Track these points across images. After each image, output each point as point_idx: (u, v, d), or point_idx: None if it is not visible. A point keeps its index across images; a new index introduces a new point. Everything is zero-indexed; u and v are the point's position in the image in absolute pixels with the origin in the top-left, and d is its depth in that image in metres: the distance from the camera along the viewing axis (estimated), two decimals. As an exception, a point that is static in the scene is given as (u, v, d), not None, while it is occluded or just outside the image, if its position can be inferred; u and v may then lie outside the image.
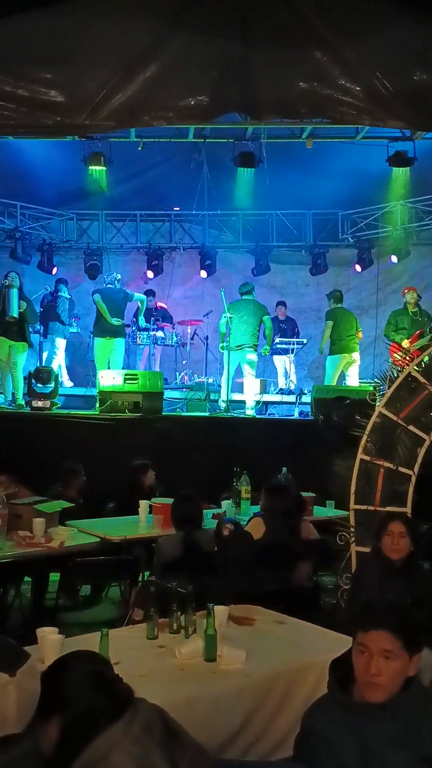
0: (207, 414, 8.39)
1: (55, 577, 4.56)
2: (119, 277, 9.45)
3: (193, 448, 7.30)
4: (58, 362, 9.88)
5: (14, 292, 7.96)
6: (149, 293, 10.57)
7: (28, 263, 11.04)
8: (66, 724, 1.50)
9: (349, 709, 1.78)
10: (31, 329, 8.65)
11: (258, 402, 8.82)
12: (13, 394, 8.28)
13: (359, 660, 1.76)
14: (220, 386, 8.86)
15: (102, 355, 9.02)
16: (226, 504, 5.57)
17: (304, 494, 5.31)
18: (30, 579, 4.59)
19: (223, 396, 8.57)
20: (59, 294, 9.90)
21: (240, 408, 8.64)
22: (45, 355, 9.90)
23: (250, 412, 8.58)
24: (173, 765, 1.48)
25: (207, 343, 9.76)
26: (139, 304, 9.57)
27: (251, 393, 8.69)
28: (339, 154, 9.48)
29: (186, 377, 9.90)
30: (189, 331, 10.14)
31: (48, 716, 1.52)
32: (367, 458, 4.43)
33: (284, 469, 6.05)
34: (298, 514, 4.79)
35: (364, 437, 4.45)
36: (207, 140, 9.06)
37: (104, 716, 1.50)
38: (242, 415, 8.40)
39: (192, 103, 4.77)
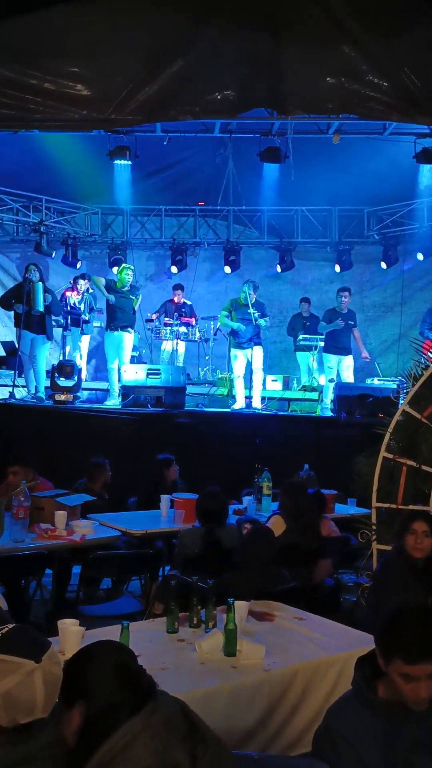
0: (229, 409, 8.39)
1: (76, 569, 4.60)
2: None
3: (215, 443, 7.31)
4: (80, 356, 9.93)
5: (39, 286, 8.02)
6: (177, 287, 10.57)
7: (53, 257, 11.12)
8: (88, 712, 1.51)
9: (375, 710, 1.76)
10: (54, 323, 8.68)
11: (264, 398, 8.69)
12: (35, 387, 8.36)
13: (405, 686, 1.73)
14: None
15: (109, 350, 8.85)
16: (247, 500, 5.57)
17: (326, 491, 5.28)
18: (52, 571, 4.63)
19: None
20: (78, 288, 9.90)
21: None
22: (68, 349, 9.96)
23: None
24: (193, 759, 1.49)
25: (229, 339, 9.75)
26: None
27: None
28: (366, 150, 9.40)
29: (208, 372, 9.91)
30: (212, 326, 10.13)
31: (71, 704, 1.53)
32: (390, 456, 4.40)
33: (306, 466, 6.03)
34: (319, 512, 4.78)
35: (387, 435, 4.41)
36: (233, 135, 9.04)
37: (126, 707, 1.51)
38: (265, 412, 8.37)
39: (219, 97, 4.75)
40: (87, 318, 9.76)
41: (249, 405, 8.40)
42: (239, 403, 8.38)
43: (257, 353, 8.31)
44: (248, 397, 8.50)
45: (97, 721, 1.50)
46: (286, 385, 9.60)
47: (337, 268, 11.34)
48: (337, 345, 9.06)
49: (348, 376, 9.04)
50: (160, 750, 1.47)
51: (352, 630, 2.96)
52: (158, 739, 1.48)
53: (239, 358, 8.37)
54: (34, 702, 1.51)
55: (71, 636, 2.48)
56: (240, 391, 8.41)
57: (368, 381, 9.41)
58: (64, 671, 1.59)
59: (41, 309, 7.99)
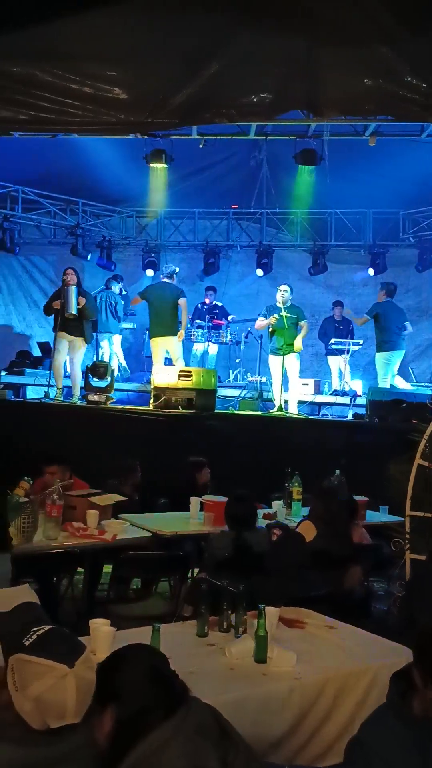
0: (259, 413, 8.36)
1: (107, 569, 4.62)
2: (177, 270, 9.14)
3: (244, 446, 7.29)
4: (112, 357, 10.02)
5: (73, 290, 8.09)
6: (208, 289, 10.59)
7: (88, 259, 11.24)
8: (120, 716, 1.51)
9: (411, 726, 1.73)
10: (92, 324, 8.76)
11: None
12: (70, 388, 8.44)
13: None
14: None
15: (154, 355, 8.98)
16: (277, 505, 5.53)
17: (357, 498, 5.22)
18: (83, 570, 4.67)
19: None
20: (111, 291, 10.01)
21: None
22: (101, 351, 10.05)
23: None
24: (224, 765, 1.48)
25: (261, 342, 9.73)
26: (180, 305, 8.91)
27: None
28: (402, 152, 9.30)
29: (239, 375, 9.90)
30: (244, 329, 10.13)
31: (103, 706, 1.54)
32: (426, 464, 4.32)
33: (337, 472, 5.97)
34: (351, 519, 4.72)
35: (423, 442, 4.34)
36: (268, 138, 9.01)
37: (159, 711, 1.50)
38: (295, 416, 8.33)
39: (255, 100, 4.75)
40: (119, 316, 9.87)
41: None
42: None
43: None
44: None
45: (129, 724, 1.50)
46: (318, 390, 9.54)
47: (371, 272, 11.23)
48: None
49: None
50: (192, 755, 1.47)
51: (383, 640, 2.91)
52: (190, 744, 1.48)
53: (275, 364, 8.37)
54: (65, 707, 1.51)
55: (102, 636, 2.49)
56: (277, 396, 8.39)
57: (402, 386, 9.29)
58: (98, 673, 1.59)
59: (74, 312, 8.05)
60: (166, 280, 8.95)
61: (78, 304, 8.06)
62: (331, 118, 7.30)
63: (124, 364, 10.23)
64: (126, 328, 10.46)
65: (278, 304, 8.19)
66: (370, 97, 5.01)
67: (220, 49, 4.64)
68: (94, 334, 9.79)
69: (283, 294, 8.21)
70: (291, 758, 2.33)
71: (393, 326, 8.94)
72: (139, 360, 10.65)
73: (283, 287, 8.33)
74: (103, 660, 1.66)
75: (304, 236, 11.54)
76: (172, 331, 8.73)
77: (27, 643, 1.57)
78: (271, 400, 8.66)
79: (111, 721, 1.51)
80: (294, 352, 8.28)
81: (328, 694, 2.47)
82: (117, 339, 10.20)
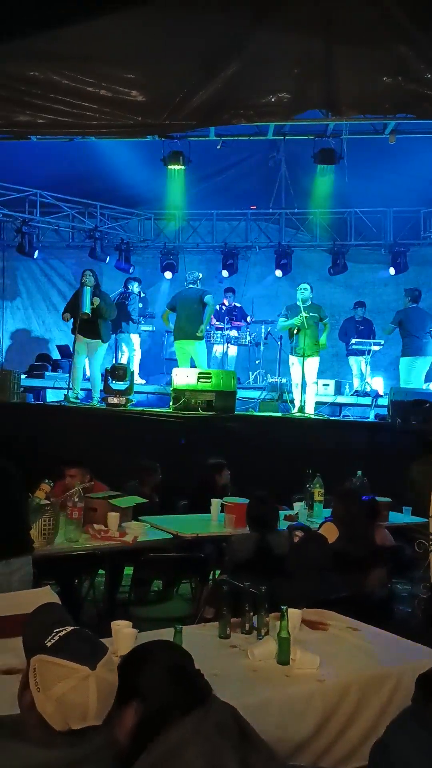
0: (280, 414, 8.33)
1: (128, 571, 4.63)
2: (200, 276, 9.24)
3: (265, 448, 7.27)
4: (131, 359, 10.06)
5: (87, 291, 8.11)
6: (227, 290, 10.59)
7: (106, 262, 11.29)
8: (142, 712, 1.50)
9: None
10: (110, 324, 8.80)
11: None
12: (90, 391, 8.47)
13: None
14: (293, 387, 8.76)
15: (180, 359, 9.05)
16: (298, 506, 5.50)
17: (380, 499, 5.18)
18: (104, 572, 4.67)
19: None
20: (130, 291, 10.04)
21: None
22: (121, 354, 10.09)
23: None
24: (245, 767, 1.46)
25: (281, 343, 9.70)
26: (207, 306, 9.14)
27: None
28: (422, 150, 9.22)
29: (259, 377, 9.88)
30: (263, 330, 10.10)
31: (126, 703, 1.53)
32: (448, 464, 4.27)
33: (359, 473, 5.92)
34: (373, 520, 4.68)
35: (445, 442, 4.29)
36: (287, 137, 8.99)
37: (179, 709, 1.49)
38: (315, 417, 8.28)
39: (273, 100, 4.72)
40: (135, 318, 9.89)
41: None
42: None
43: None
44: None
45: (149, 721, 1.49)
46: (338, 390, 9.48)
47: (392, 271, 11.14)
48: None
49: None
50: (210, 754, 1.46)
51: (407, 642, 2.87)
52: (209, 744, 1.47)
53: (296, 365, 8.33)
54: (86, 708, 1.50)
55: (124, 638, 2.49)
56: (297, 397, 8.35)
57: (424, 387, 9.20)
58: (120, 669, 1.58)
59: (87, 311, 8.04)
60: (191, 286, 9.01)
61: (92, 304, 8.06)
62: (350, 117, 7.26)
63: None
64: (145, 330, 10.48)
65: (299, 303, 8.17)
66: (388, 95, 4.96)
67: (238, 50, 4.62)
68: (116, 336, 9.85)
69: (303, 292, 8.17)
70: (315, 761, 2.31)
71: (417, 331, 8.89)
72: (158, 362, 10.66)
73: (303, 285, 8.30)
74: (126, 655, 1.65)
75: (324, 236, 11.48)
76: (196, 336, 8.84)
77: (49, 644, 1.56)
78: (291, 402, 8.62)
79: (133, 717, 1.50)
80: (316, 354, 8.25)
81: (352, 697, 2.44)
82: (135, 339, 10.22)
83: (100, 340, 8.37)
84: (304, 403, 8.28)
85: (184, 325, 8.83)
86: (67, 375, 8.54)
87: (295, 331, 8.18)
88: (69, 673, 1.51)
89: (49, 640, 1.56)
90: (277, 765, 1.55)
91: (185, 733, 1.47)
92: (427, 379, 9.22)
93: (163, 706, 1.50)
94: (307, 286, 8.28)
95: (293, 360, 8.35)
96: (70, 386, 8.28)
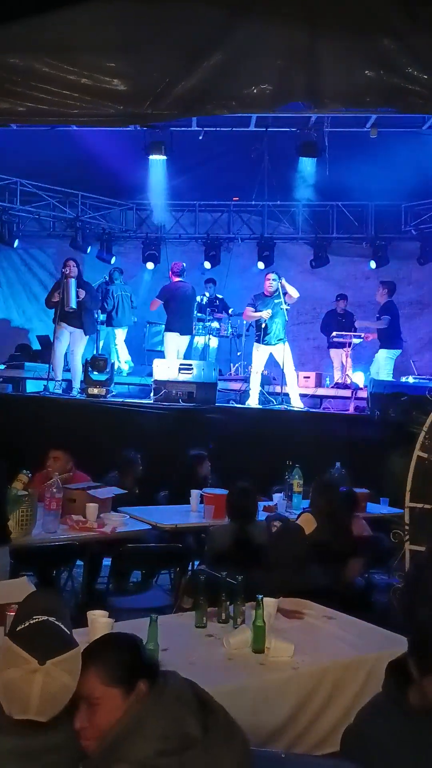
0: (260, 406, 8.36)
1: (107, 561, 4.63)
2: (184, 265, 9.30)
3: (245, 439, 7.29)
4: (115, 350, 10.02)
5: (72, 282, 8.07)
6: (210, 282, 10.58)
7: (87, 252, 11.21)
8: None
9: (407, 716, 1.73)
10: (95, 315, 8.76)
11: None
12: (70, 381, 8.43)
13: None
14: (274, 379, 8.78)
15: (170, 351, 9.03)
16: (277, 497, 5.54)
17: (358, 490, 5.23)
18: (82, 562, 4.68)
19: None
20: (114, 283, 10.00)
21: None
22: (101, 343, 10.05)
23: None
24: (205, 730, 1.52)
25: (256, 334, 9.68)
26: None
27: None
28: (404, 144, 9.24)
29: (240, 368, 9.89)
30: (245, 322, 10.09)
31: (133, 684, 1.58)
32: (425, 455, 4.32)
33: (338, 464, 5.97)
34: (351, 511, 4.73)
35: (422, 434, 4.34)
36: (269, 129, 8.97)
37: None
38: (296, 408, 8.31)
39: (255, 91, 4.70)
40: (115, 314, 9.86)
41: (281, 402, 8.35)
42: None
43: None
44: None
45: None
46: (319, 382, 9.53)
47: (373, 264, 11.20)
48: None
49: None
50: (172, 721, 1.51)
51: (382, 630, 2.92)
52: (170, 711, 1.52)
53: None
54: (27, 701, 1.50)
55: (100, 627, 2.50)
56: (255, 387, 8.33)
57: (403, 379, 9.28)
58: (106, 656, 1.60)
59: (74, 306, 8.03)
60: (178, 279, 9.01)
61: (78, 296, 8.05)
62: (332, 110, 7.27)
63: (128, 358, 10.21)
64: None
65: (266, 294, 8.15)
66: (371, 88, 4.96)
67: (221, 40, 4.59)
68: (106, 327, 9.81)
69: (272, 284, 8.15)
70: (290, 746, 2.34)
71: (398, 324, 9.01)
72: (140, 353, 10.63)
73: (271, 275, 8.26)
74: (93, 645, 1.67)
75: (306, 229, 11.50)
76: (189, 330, 9.03)
77: (18, 629, 1.57)
78: (271, 393, 8.64)
79: (138, 697, 1.54)
80: (285, 341, 8.22)
81: (326, 684, 2.48)
82: (119, 331, 10.19)
83: (82, 330, 8.33)
84: (287, 394, 8.29)
85: (179, 319, 8.87)
86: (48, 365, 8.48)
87: (263, 325, 8.18)
88: (19, 662, 1.51)
89: (21, 626, 1.57)
90: (236, 728, 1.59)
91: (143, 709, 1.52)
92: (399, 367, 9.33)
93: (136, 680, 1.55)
94: (276, 276, 8.22)
95: (260, 348, 8.30)
96: (51, 375, 8.24)
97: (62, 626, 1.60)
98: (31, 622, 1.57)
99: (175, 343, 8.98)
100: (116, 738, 1.49)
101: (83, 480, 5.09)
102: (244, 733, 1.61)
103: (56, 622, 1.59)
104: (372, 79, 4.84)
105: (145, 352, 10.39)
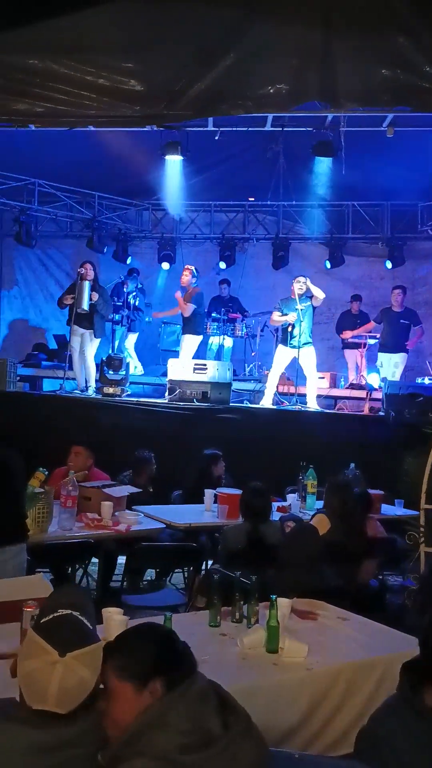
0: (274, 407, 8.35)
1: (121, 559, 4.66)
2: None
3: (259, 440, 7.29)
4: (129, 350, 10.06)
5: (87, 285, 8.12)
6: (224, 282, 10.58)
7: (104, 252, 11.26)
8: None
9: (422, 717, 1.72)
10: (108, 318, 8.81)
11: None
12: (85, 381, 8.48)
13: None
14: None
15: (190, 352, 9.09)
16: (291, 497, 5.53)
17: (372, 492, 5.21)
18: (97, 560, 4.71)
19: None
20: (128, 285, 10.03)
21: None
22: (116, 343, 10.09)
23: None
24: (226, 727, 1.53)
25: (276, 336, 9.69)
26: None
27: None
28: (420, 143, 9.19)
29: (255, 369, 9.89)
30: (259, 322, 10.10)
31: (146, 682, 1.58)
32: (440, 457, 4.30)
33: (352, 465, 5.96)
34: (365, 512, 4.71)
35: (438, 435, 4.32)
36: (285, 129, 8.95)
37: (169, 681, 1.56)
38: (311, 409, 8.29)
39: (271, 91, 4.70)
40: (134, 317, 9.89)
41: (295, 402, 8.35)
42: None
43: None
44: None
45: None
46: (334, 383, 9.50)
47: (389, 264, 11.14)
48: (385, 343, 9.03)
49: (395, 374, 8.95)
50: (195, 718, 1.52)
51: (396, 632, 2.91)
52: (192, 709, 1.53)
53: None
54: (46, 692, 1.52)
55: (115, 625, 2.51)
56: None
57: (419, 380, 9.23)
58: (109, 649, 1.61)
59: (86, 308, 8.09)
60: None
61: (90, 299, 8.10)
62: (348, 110, 7.24)
63: (138, 364, 10.24)
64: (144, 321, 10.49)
65: (293, 297, 8.15)
66: (387, 87, 4.94)
67: (237, 40, 4.60)
68: (114, 327, 9.85)
69: (301, 286, 8.14)
70: (303, 747, 2.34)
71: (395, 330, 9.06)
72: (154, 353, 10.66)
73: (301, 279, 8.25)
74: (118, 635, 1.69)
75: (321, 229, 11.47)
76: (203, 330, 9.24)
77: (42, 621, 1.60)
78: (285, 394, 8.63)
79: (153, 695, 1.54)
80: (311, 344, 8.23)
81: (339, 685, 2.48)
82: (133, 338, 10.22)
83: (92, 332, 8.39)
84: (304, 395, 8.28)
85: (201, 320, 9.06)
86: (64, 365, 8.55)
87: (289, 327, 8.18)
88: (40, 652, 1.54)
89: (45, 618, 1.60)
90: (255, 730, 1.61)
91: (168, 703, 1.53)
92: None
93: (152, 678, 1.56)
94: (305, 279, 8.24)
95: (284, 351, 8.30)
96: (66, 376, 8.31)
97: (85, 621, 1.62)
98: (55, 615, 1.60)
99: (192, 344, 9.03)
100: (137, 730, 1.50)
101: (101, 477, 5.13)
102: (262, 735, 1.62)
103: (79, 617, 1.62)
104: (388, 77, 4.82)
105: (160, 352, 10.42)
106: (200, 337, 9.18)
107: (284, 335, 8.31)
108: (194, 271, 8.91)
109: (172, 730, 1.49)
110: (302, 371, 8.29)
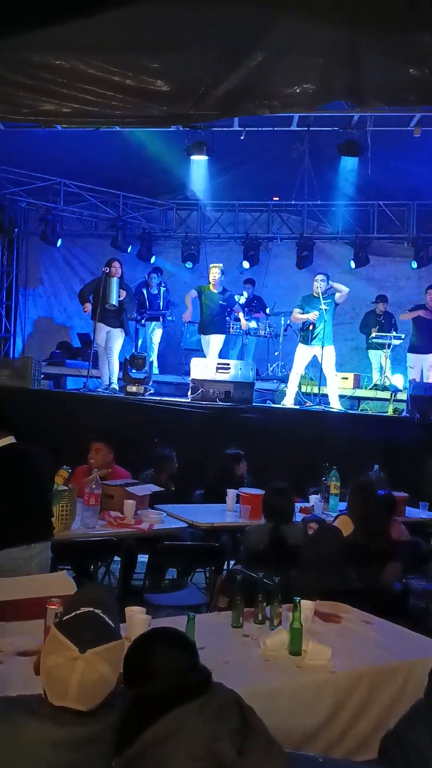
0: (297, 406, 8.32)
1: (143, 558, 4.68)
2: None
3: (282, 440, 7.27)
4: (152, 348, 10.10)
5: (115, 281, 8.19)
6: (248, 282, 10.57)
7: (128, 251, 11.32)
8: (142, 696, 1.54)
9: None
10: (132, 316, 8.88)
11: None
12: (109, 378, 8.53)
13: None
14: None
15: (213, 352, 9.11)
16: (314, 498, 5.51)
17: (396, 494, 5.16)
18: (119, 558, 4.73)
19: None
20: (152, 282, 10.09)
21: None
22: (140, 341, 10.14)
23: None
24: (240, 753, 1.49)
25: (299, 335, 9.64)
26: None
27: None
28: (448, 143, 9.09)
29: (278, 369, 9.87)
30: (282, 322, 10.07)
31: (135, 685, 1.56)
32: (466, 460, 4.25)
33: (376, 467, 5.91)
34: (390, 514, 4.67)
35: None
36: (311, 129, 8.91)
37: (181, 693, 1.52)
38: (334, 410, 8.25)
39: (297, 91, 4.68)
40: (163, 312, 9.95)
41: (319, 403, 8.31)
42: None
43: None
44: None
45: (154, 703, 1.52)
46: (357, 384, 9.44)
47: (414, 264, 11.04)
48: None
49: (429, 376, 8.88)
50: (209, 739, 1.49)
51: (419, 636, 2.88)
52: (207, 729, 1.50)
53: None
54: (66, 688, 1.52)
55: (138, 623, 2.52)
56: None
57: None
58: (129, 653, 1.61)
59: (115, 303, 8.16)
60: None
61: (119, 296, 8.17)
62: (374, 109, 7.19)
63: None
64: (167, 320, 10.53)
65: (315, 295, 8.13)
66: (414, 87, 4.89)
67: (262, 40, 4.58)
68: (138, 326, 9.90)
69: (320, 284, 8.13)
70: (325, 751, 2.33)
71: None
72: (177, 352, 10.69)
73: (320, 276, 8.24)
74: (135, 640, 1.68)
75: (346, 228, 11.40)
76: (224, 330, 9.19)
77: (64, 618, 1.61)
78: (309, 394, 8.59)
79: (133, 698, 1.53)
80: (332, 343, 8.19)
81: (362, 689, 2.46)
82: (157, 331, 10.29)
83: (121, 329, 8.45)
84: (326, 395, 8.25)
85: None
86: (87, 363, 8.61)
87: (310, 326, 8.15)
88: (61, 648, 1.55)
89: (68, 615, 1.61)
90: (277, 752, 1.56)
91: (185, 716, 1.51)
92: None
93: (168, 690, 1.53)
94: (324, 277, 8.21)
95: (304, 349, 8.27)
96: (90, 374, 8.37)
97: (107, 619, 1.63)
98: (78, 612, 1.61)
99: (215, 344, 9.04)
100: (150, 743, 1.49)
101: (122, 475, 5.15)
102: (286, 755, 1.58)
103: (102, 614, 1.62)
104: (415, 76, 4.77)
105: (183, 351, 10.44)
106: (224, 336, 9.19)
107: (305, 334, 8.28)
108: (222, 268, 8.97)
109: (183, 754, 1.46)
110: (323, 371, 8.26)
